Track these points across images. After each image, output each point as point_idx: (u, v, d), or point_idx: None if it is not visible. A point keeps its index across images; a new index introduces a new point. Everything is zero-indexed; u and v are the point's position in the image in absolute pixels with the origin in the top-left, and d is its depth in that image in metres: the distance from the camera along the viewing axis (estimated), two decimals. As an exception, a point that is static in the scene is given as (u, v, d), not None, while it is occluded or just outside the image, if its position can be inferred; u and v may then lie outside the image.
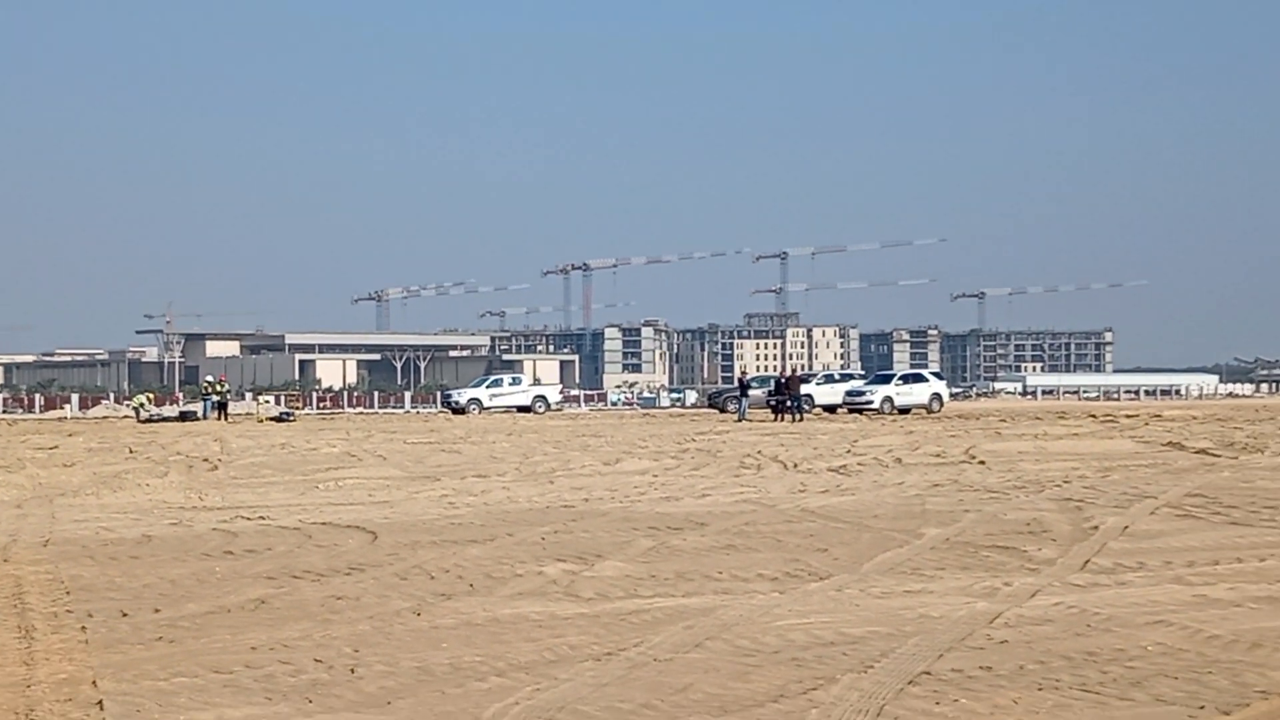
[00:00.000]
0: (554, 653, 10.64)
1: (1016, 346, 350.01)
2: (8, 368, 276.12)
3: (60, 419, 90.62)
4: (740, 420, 62.26)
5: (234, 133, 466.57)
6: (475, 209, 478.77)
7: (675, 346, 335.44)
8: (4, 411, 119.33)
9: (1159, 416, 58.25)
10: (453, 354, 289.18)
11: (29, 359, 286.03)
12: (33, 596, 13.30)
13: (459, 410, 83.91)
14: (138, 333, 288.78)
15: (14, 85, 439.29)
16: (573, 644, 10.96)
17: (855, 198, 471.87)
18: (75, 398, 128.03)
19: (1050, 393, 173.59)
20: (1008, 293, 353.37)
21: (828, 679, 9.67)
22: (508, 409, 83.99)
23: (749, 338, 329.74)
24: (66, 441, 45.84)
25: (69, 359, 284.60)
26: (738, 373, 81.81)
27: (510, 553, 16.35)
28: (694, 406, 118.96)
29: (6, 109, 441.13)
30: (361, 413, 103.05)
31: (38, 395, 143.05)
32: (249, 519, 20.59)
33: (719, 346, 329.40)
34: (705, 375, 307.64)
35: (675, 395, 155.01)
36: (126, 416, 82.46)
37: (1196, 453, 33.45)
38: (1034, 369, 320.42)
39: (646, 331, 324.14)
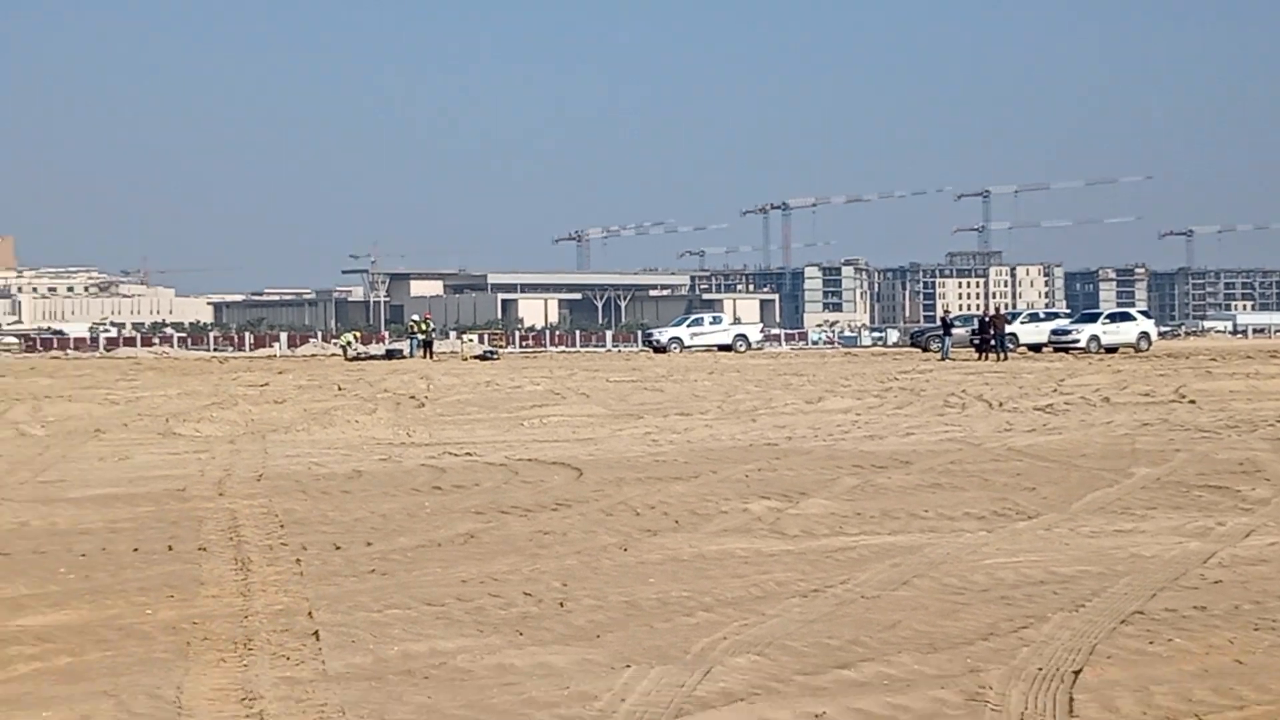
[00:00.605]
0: (760, 589, 10.64)
1: (1226, 285, 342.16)
2: (218, 306, 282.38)
3: (270, 357, 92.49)
4: (943, 359, 61.69)
5: (439, 77, 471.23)
6: (675, 149, 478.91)
7: (876, 286, 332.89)
8: (216, 349, 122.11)
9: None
10: (653, 293, 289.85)
11: (239, 298, 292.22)
12: (248, 530, 13.59)
13: (660, 349, 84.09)
14: (344, 272, 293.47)
15: (232, 36, 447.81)
16: (779, 580, 10.95)
17: (1058, 135, 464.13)
18: (284, 336, 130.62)
19: (1261, 331, 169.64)
20: (1216, 230, 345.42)
21: (1038, 617, 9.56)
22: (709, 348, 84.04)
23: (951, 276, 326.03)
24: (277, 379, 46.79)
25: (277, 298, 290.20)
26: (940, 311, 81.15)
27: (714, 490, 16.38)
28: (896, 345, 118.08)
29: (225, 58, 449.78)
30: (563, 351, 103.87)
31: (247, 334, 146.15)
32: (456, 455, 20.85)
33: (920, 286, 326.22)
34: (907, 314, 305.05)
35: (877, 334, 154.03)
36: (334, 355, 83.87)
37: None
38: (1244, 307, 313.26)
39: (847, 270, 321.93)
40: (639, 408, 31.09)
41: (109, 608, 10.07)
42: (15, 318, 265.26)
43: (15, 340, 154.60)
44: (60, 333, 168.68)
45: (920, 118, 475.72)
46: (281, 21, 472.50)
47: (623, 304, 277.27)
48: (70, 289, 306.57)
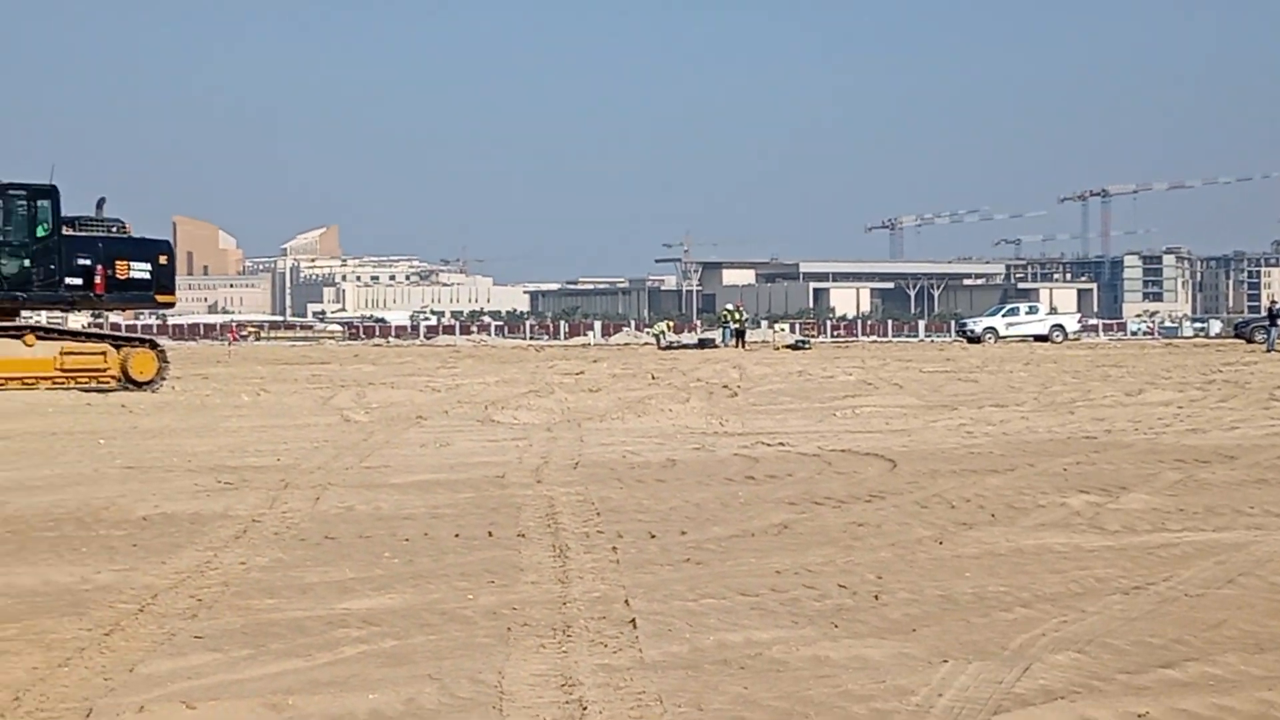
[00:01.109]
0: (1080, 585, 10.43)
1: None
2: (534, 295, 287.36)
3: (584, 345, 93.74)
4: (1269, 350, 59.74)
5: (746, 69, 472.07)
6: (990, 135, 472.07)
7: (1199, 275, 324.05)
8: (532, 338, 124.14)
9: None
10: (967, 282, 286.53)
11: (554, 287, 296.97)
12: (565, 517, 13.78)
13: (974, 339, 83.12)
14: (657, 261, 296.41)
15: (556, 31, 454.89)
16: (1099, 576, 10.72)
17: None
18: (597, 325, 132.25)
19: None
20: None
21: (1375, 621, 9.19)
22: (1024, 338, 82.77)
23: (1277, 265, 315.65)
24: (591, 367, 47.46)
25: (591, 287, 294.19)
26: (1265, 302, 78.48)
27: (1031, 483, 16.11)
28: (1219, 336, 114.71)
29: (546, 53, 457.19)
30: (875, 341, 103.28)
31: (562, 322, 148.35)
32: (769, 445, 20.87)
33: (1244, 275, 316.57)
34: (1230, 305, 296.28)
35: (1198, 325, 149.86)
36: (647, 343, 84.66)
37: None
38: None
39: (1168, 259, 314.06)
40: (953, 399, 30.74)
41: (432, 592, 10.30)
42: (339, 305, 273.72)
43: (339, 327, 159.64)
44: (382, 320, 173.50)
45: (1245, 102, 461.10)
46: (605, 18, 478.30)
47: (936, 293, 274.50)
48: (392, 277, 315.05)
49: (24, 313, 36.43)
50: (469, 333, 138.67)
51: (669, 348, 74.52)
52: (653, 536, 12.63)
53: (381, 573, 11.05)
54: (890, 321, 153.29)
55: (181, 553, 11.81)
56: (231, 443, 21.67)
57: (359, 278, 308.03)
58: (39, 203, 34.98)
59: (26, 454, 20.01)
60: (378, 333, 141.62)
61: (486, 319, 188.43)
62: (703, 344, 77.65)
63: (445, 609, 9.71)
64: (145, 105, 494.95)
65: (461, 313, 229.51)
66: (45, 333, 36.19)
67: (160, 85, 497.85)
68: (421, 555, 11.78)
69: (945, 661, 8.27)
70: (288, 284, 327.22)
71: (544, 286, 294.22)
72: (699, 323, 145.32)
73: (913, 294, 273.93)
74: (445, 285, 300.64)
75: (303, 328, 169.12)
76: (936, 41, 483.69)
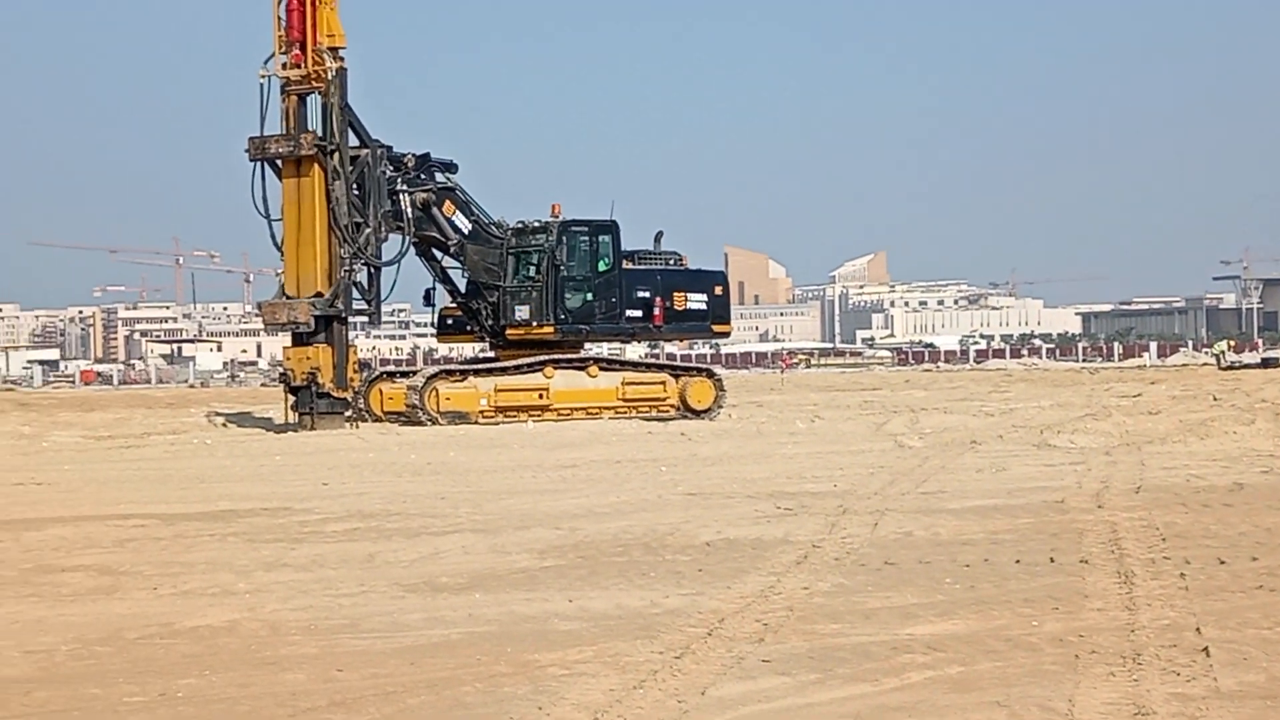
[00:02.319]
0: None
1: None
2: (1086, 317, 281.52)
3: (1139, 367, 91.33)
4: None
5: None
6: None
7: None
8: (1085, 360, 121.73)
9: None
10: None
11: (1106, 308, 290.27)
12: (1129, 542, 13.44)
13: None
14: (1214, 279, 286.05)
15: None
16: None
17: None
18: (1153, 345, 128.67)
19: None
20: None
21: None
22: None
23: None
24: (1149, 389, 46.21)
25: (1145, 307, 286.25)
26: None
27: None
28: None
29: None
30: None
31: (1115, 344, 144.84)
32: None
33: None
34: None
35: None
36: (1206, 364, 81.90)
37: None
38: None
39: None
40: None
41: (995, 618, 10.20)
42: (888, 331, 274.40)
43: (888, 353, 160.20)
44: (931, 345, 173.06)
45: None
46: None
47: None
48: (940, 302, 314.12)
49: (587, 344, 37.89)
50: (1019, 356, 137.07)
51: (1230, 368, 71.97)
52: (1222, 562, 12.19)
53: (943, 598, 11.01)
54: None
55: (745, 577, 12.04)
56: (788, 469, 21.99)
57: (907, 303, 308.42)
58: (600, 238, 36.37)
59: (593, 481, 20.80)
60: (927, 358, 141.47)
61: (1037, 342, 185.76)
62: (1266, 363, 74.65)
63: (1010, 635, 9.60)
64: (696, 140, 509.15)
65: (1011, 336, 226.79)
66: (608, 364, 37.58)
67: (710, 117, 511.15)
68: (983, 581, 11.69)
69: None
70: (837, 311, 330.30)
71: (1096, 308, 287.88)
72: (1261, 341, 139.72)
73: None
74: (994, 309, 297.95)
75: (852, 354, 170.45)
76: None
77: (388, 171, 34.93)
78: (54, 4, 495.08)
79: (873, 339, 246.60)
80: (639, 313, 36.62)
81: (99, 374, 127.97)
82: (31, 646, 9.90)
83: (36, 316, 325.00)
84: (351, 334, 35.14)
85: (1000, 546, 13.44)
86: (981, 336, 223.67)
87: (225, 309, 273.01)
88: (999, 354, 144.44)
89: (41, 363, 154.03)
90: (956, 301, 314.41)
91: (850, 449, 25.67)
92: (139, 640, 10.09)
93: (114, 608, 11.29)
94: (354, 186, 34.08)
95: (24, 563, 13.59)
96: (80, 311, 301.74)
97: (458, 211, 35.93)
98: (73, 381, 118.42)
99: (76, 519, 16.79)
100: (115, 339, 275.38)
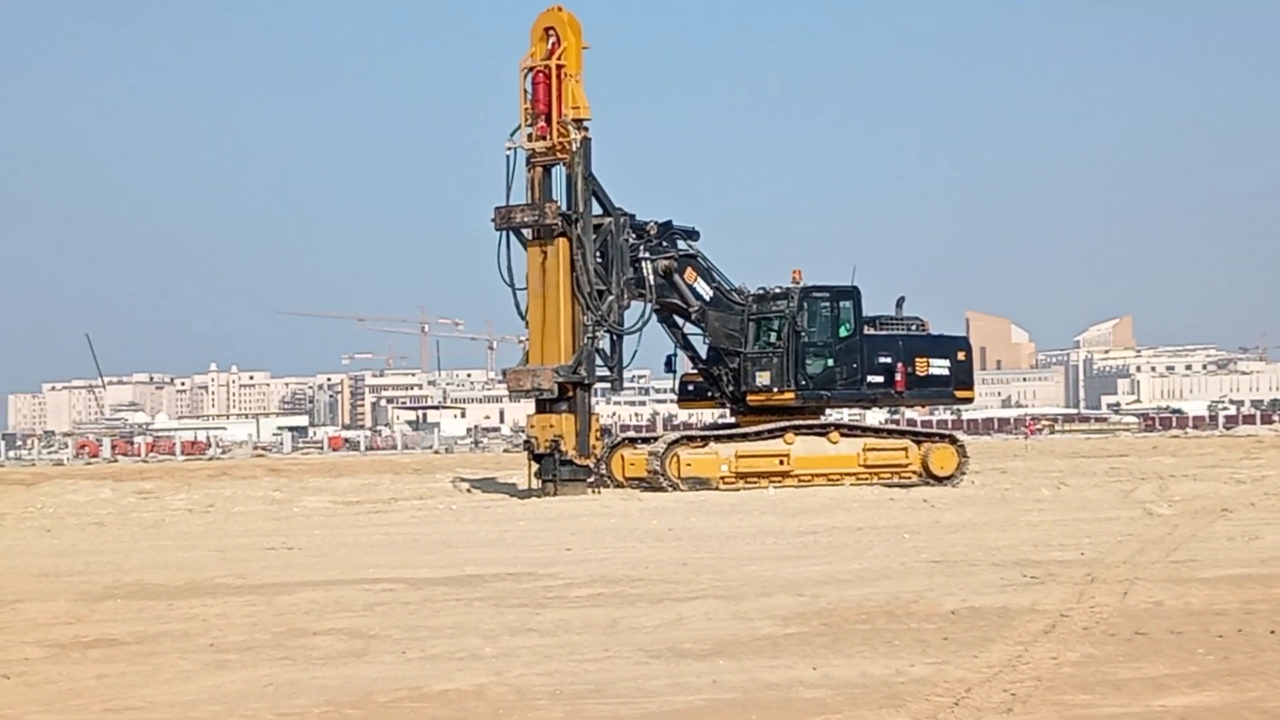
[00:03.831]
0: None
1: None
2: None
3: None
4: None
5: None
6: None
7: None
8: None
9: None
10: None
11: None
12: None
13: None
14: None
15: None
16: None
17: None
18: None
19: None
20: None
21: None
22: None
23: None
24: None
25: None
26: None
27: None
28: None
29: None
30: None
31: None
32: None
33: None
34: None
35: None
36: None
37: None
38: None
39: None
40: None
41: (1249, 690, 9.95)
42: (1134, 396, 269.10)
43: (1134, 419, 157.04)
44: (1178, 411, 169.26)
45: None
46: None
47: None
48: (1188, 367, 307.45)
49: (827, 410, 37.80)
50: (1270, 422, 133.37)
51: None
52: None
53: (1196, 669, 10.76)
54: None
55: (992, 646, 11.89)
56: (1034, 536, 21.66)
57: (1154, 368, 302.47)
58: (841, 304, 36.34)
59: (835, 548, 20.69)
60: (1174, 423, 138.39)
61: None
62: None
63: (1265, 707, 9.37)
64: (938, 206, 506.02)
65: (1262, 401, 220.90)
66: (849, 429, 37.42)
67: (950, 183, 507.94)
68: (1237, 651, 11.40)
69: None
70: (1081, 376, 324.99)
71: None
72: None
73: None
74: (1244, 373, 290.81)
75: (1097, 420, 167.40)
76: None
77: (630, 239, 35.28)
78: (307, 83, 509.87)
79: (1118, 404, 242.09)
80: (880, 378, 36.48)
81: (347, 440, 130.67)
82: (285, 709, 10.14)
83: (286, 384, 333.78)
84: (593, 400, 35.46)
85: (1255, 616, 13.10)
86: (1231, 402, 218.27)
87: (469, 375, 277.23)
88: (1249, 419, 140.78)
89: (291, 429, 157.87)
90: (1205, 366, 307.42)
91: (1097, 516, 25.20)
92: (389, 704, 10.27)
93: (364, 671, 11.52)
94: (597, 255, 34.48)
95: (276, 626, 13.92)
96: (329, 379, 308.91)
97: (699, 278, 36.16)
98: (321, 447, 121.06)
99: (327, 583, 17.16)
100: (362, 405, 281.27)
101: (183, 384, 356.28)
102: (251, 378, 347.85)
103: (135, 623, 14.30)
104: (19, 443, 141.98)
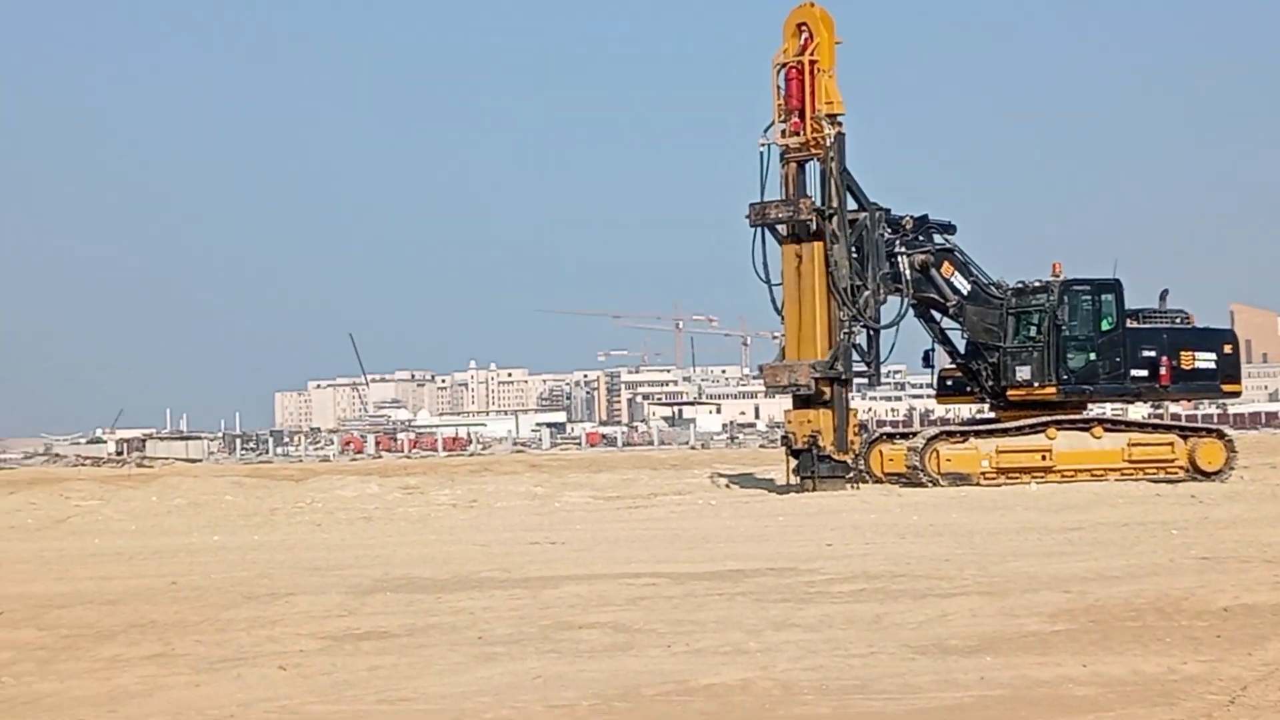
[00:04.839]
0: None
1: None
2: None
3: None
4: None
5: None
6: None
7: None
8: None
9: None
10: None
11: None
12: None
13: None
14: None
15: None
16: None
17: None
18: None
19: None
20: None
21: None
22: None
23: None
24: None
25: None
26: None
27: None
28: None
29: None
30: None
31: None
32: None
33: None
34: None
35: None
36: None
37: None
38: None
39: None
40: None
41: None
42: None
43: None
44: None
45: None
46: None
47: None
48: None
49: (1090, 405, 37.16)
50: None
51: None
52: None
53: None
54: None
55: (1267, 644, 11.62)
56: (1309, 533, 21.07)
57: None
58: (1103, 297, 35.71)
59: (1101, 544, 20.35)
60: None
61: None
62: None
63: None
64: (1200, 196, 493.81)
65: None
66: (1112, 424, 36.73)
67: (1213, 173, 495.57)
68: None
69: None
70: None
71: None
72: None
73: None
74: None
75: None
76: None
77: (886, 234, 35.07)
78: (571, 82, 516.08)
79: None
80: (1144, 372, 35.78)
81: (604, 436, 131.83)
82: (554, 701, 10.29)
83: (544, 380, 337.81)
84: (850, 395, 35.32)
85: None
86: None
87: (723, 372, 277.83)
88: None
89: (549, 425, 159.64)
90: None
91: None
92: (656, 697, 10.37)
93: (630, 664, 11.64)
94: (853, 250, 34.34)
95: (542, 619, 14.13)
96: (585, 375, 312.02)
97: (956, 273, 35.80)
98: (579, 443, 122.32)
99: (590, 577, 17.36)
100: (618, 402, 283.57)
101: (443, 381, 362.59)
102: (510, 375, 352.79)
103: (405, 615, 14.62)
104: (286, 439, 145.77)
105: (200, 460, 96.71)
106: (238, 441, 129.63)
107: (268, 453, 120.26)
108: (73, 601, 16.24)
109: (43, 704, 10.62)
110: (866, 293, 34.21)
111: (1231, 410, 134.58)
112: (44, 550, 23.68)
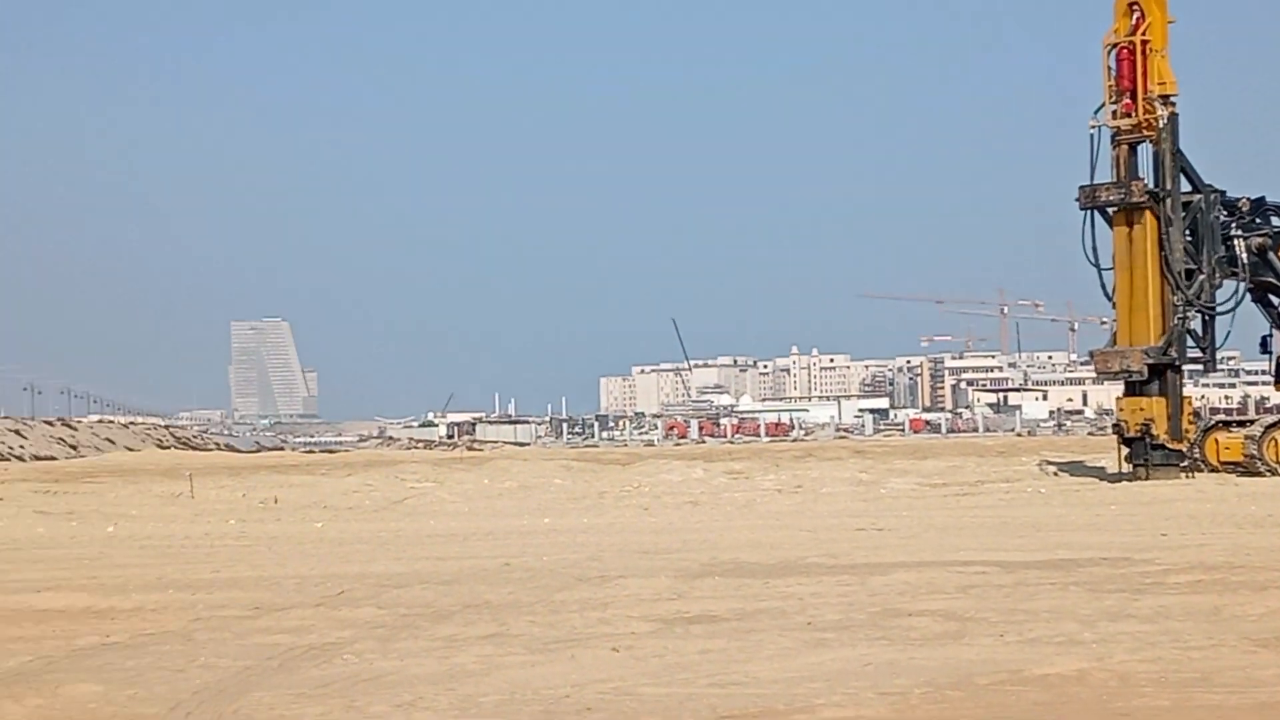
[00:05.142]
0: None
1: None
2: None
3: None
4: None
5: None
6: None
7: None
8: None
9: None
10: None
11: None
12: None
13: None
14: None
15: None
16: None
17: None
18: None
19: None
20: None
21: None
22: None
23: None
24: None
25: None
26: None
27: None
28: None
29: None
30: None
31: None
32: None
33: None
34: None
35: None
36: None
37: None
38: None
39: None
40: None
41: None
42: None
43: None
44: None
45: None
46: None
47: None
48: None
49: None
50: None
51: None
52: None
53: None
54: None
55: None
56: None
57: None
58: None
59: None
60: None
61: None
62: None
63: None
64: None
65: None
66: None
67: None
68: None
69: None
70: None
71: None
72: None
73: None
74: None
75: None
76: None
77: (1221, 217, 34.08)
78: (888, 71, 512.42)
79: None
80: None
81: (927, 422, 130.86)
82: (885, 688, 10.27)
83: (866, 366, 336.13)
84: (1183, 382, 34.42)
85: None
86: None
87: (1050, 357, 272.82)
88: None
89: (872, 411, 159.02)
90: None
91: None
92: (989, 686, 10.27)
93: (961, 653, 11.54)
94: (1186, 233, 33.46)
95: (871, 606, 14.10)
96: (908, 361, 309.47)
97: (1295, 256, 34.61)
98: (902, 429, 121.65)
99: (919, 564, 17.26)
100: (942, 388, 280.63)
101: (765, 367, 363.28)
102: (832, 360, 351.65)
103: (733, 600, 14.73)
104: (611, 424, 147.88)
105: (528, 444, 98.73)
106: (564, 425, 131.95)
107: (593, 437, 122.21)
108: (410, 581, 16.73)
109: (383, 680, 10.96)
110: (1201, 277, 33.32)
111: None
112: (381, 531, 24.46)
